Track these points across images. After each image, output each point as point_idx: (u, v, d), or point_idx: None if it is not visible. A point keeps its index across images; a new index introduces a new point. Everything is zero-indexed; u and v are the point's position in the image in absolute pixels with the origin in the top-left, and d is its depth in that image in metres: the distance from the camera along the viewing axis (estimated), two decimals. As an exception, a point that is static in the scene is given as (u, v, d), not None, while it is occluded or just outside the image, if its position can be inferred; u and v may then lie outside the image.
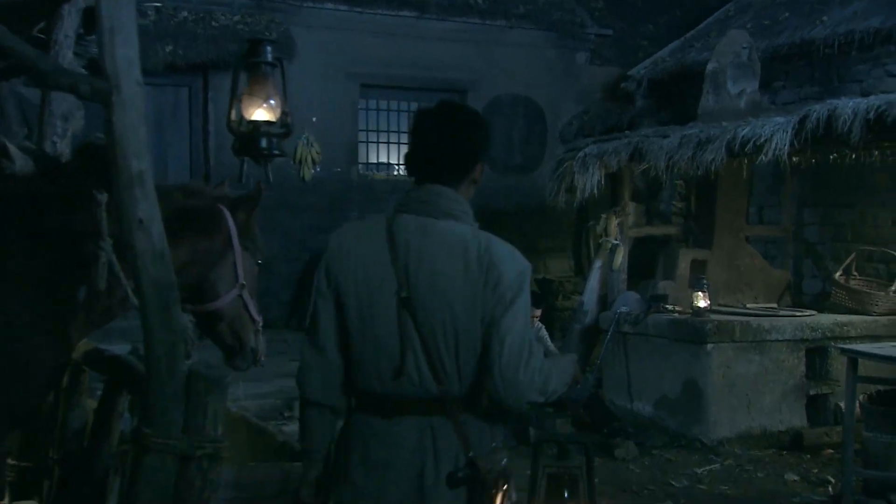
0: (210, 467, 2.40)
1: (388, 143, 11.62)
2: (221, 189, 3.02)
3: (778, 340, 6.94)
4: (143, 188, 2.33)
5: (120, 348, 3.16)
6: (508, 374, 2.15)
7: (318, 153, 10.65)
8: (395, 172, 11.65)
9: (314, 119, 10.73)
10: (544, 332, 7.10)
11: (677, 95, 10.02)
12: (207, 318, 2.89)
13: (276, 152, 3.13)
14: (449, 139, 2.27)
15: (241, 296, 2.89)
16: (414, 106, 11.65)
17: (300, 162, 10.62)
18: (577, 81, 12.10)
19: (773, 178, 8.96)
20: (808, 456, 6.52)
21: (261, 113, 3.09)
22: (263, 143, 3.13)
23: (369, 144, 11.51)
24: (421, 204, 2.25)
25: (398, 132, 11.63)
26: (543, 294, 7.26)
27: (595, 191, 7.17)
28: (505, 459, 2.28)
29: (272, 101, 3.12)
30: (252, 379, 7.51)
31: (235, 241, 2.85)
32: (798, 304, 8.16)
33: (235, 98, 3.22)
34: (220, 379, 2.45)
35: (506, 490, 2.24)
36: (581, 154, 7.15)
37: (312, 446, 2.33)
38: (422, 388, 2.19)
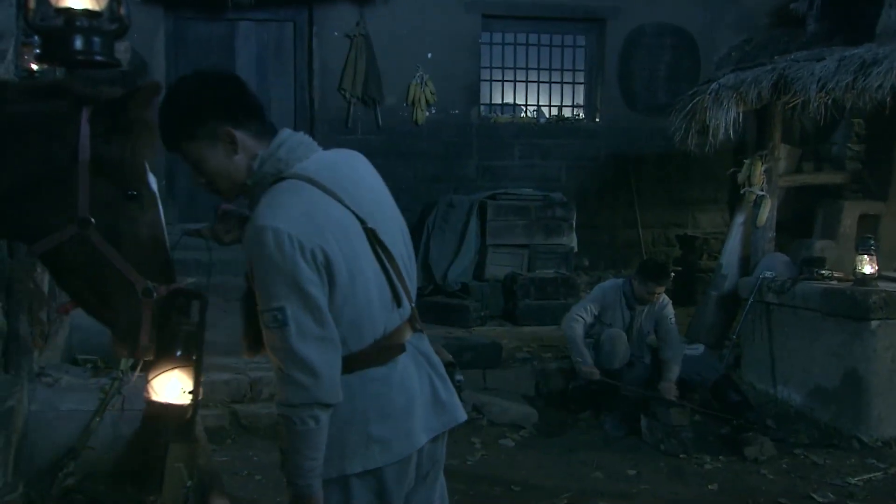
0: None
1: (515, 81, 10.62)
2: (108, 91, 2.10)
3: (968, 317, 5.60)
4: None
5: None
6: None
7: (432, 93, 9.85)
8: (522, 114, 10.67)
9: (429, 55, 9.93)
10: (670, 310, 6.05)
11: (858, 17, 8.49)
12: (53, 270, 2.15)
13: (101, 59, 2.20)
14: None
15: (87, 238, 2.07)
16: (545, 39, 10.64)
17: (413, 103, 9.86)
18: (736, 4, 10.61)
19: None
20: None
21: (76, -1, 2.14)
22: (79, 43, 2.19)
23: (493, 83, 10.54)
24: (299, 147, 2.17)
25: (526, 69, 10.61)
26: (663, 267, 6.19)
27: (731, 131, 5.98)
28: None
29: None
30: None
31: (83, 155, 2.03)
32: None
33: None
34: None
35: None
36: (714, 86, 5.97)
37: (320, 460, 2.09)
38: (403, 311, 2.19)
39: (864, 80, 5.01)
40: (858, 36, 7.16)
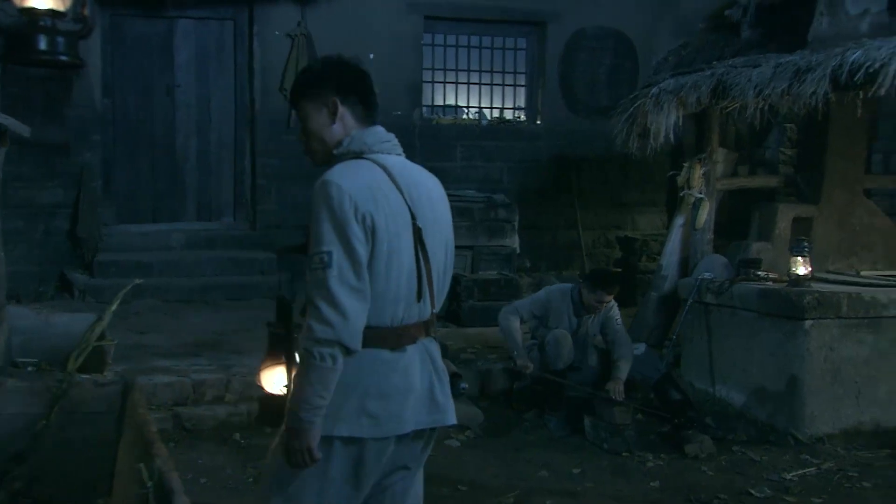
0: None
1: (457, 82, 10.72)
2: None
3: (898, 316, 5.84)
4: None
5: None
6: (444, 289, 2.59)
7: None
8: (464, 116, 10.77)
9: (371, 56, 9.92)
10: (616, 312, 6.19)
11: (790, 24, 8.76)
12: None
13: (65, 58, 2.22)
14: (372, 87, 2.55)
15: None
16: (487, 41, 10.75)
17: (355, 104, 9.87)
18: (674, 10, 10.85)
19: (903, 119, 7.71)
20: (933, 461, 5.45)
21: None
22: (42, 43, 2.23)
23: (435, 85, 10.63)
24: (386, 143, 2.48)
25: (468, 71, 10.72)
26: (612, 276, 6.33)
27: (671, 134, 6.15)
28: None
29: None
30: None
31: None
32: (929, 271, 6.98)
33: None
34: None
35: None
36: (655, 91, 6.12)
37: (327, 401, 2.34)
38: (423, 311, 2.45)
39: (799, 86, 5.19)
40: (791, 42, 7.40)
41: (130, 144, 9.48)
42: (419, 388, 2.46)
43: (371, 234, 2.32)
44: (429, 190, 2.51)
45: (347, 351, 2.31)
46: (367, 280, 2.32)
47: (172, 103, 9.58)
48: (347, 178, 2.34)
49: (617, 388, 5.79)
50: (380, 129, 2.51)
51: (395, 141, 2.52)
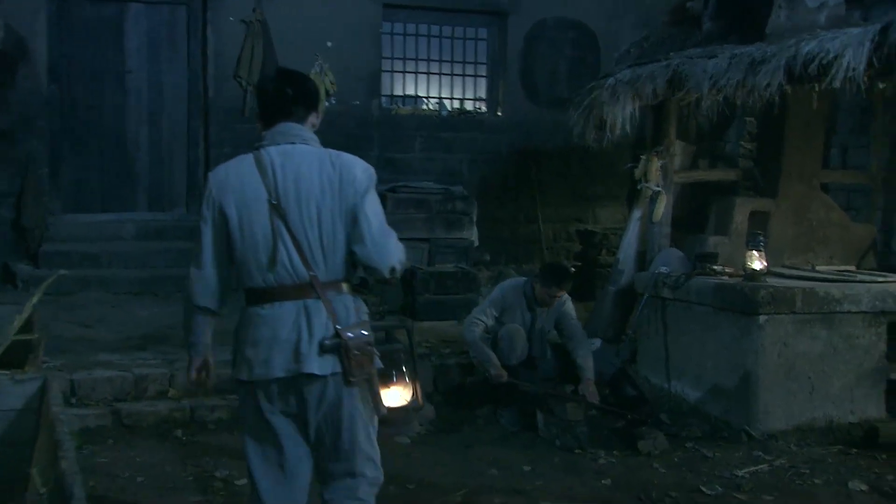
0: None
1: (417, 72, 10.61)
2: None
3: (851, 312, 5.85)
4: None
5: None
6: (380, 239, 2.89)
7: (332, 83, 9.73)
8: (424, 106, 10.66)
9: (329, 44, 9.82)
10: (570, 306, 6.12)
11: (750, 17, 8.73)
12: None
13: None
14: (296, 89, 2.99)
15: None
16: (447, 31, 10.64)
17: (312, 93, 9.71)
18: (637, 2, 10.82)
19: (860, 112, 7.71)
20: (885, 456, 5.41)
21: None
22: None
23: (394, 74, 10.51)
24: (278, 136, 2.93)
25: (427, 60, 10.60)
26: (565, 270, 6.26)
27: (627, 126, 6.08)
28: (366, 331, 2.92)
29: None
30: (223, 342, 6.77)
31: None
32: (885, 266, 7.08)
33: None
34: None
35: (371, 352, 2.91)
36: (611, 81, 6.05)
37: (197, 339, 3.07)
38: (295, 274, 2.85)
39: (754, 77, 5.14)
40: (751, 35, 7.36)
41: (79, 131, 9.26)
42: (284, 339, 2.84)
43: (220, 213, 2.88)
44: (297, 170, 2.86)
45: (193, 305, 2.99)
46: (205, 254, 2.91)
47: (123, 90, 9.38)
48: (213, 173, 2.98)
49: (590, 390, 5.74)
50: (280, 126, 2.96)
51: (291, 132, 2.94)
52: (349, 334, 2.86)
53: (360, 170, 2.92)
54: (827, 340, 5.80)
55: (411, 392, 3.30)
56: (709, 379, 6.06)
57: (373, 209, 2.90)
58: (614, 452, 5.47)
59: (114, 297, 8.29)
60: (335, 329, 2.85)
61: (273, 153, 2.89)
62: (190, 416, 5.50)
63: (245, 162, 2.91)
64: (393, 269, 2.93)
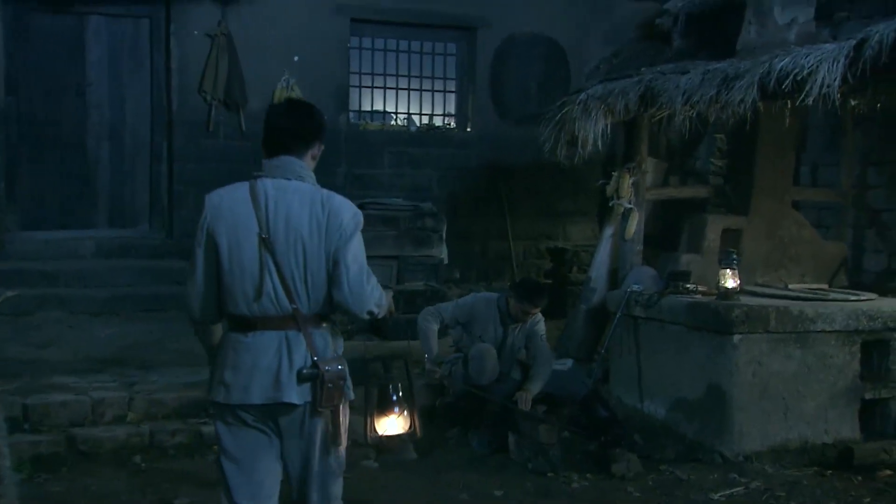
0: None
1: (385, 87, 10.49)
2: None
3: (825, 331, 5.81)
4: None
5: None
6: (356, 287, 2.98)
7: (299, 98, 9.58)
8: (393, 122, 10.54)
9: (296, 58, 9.67)
10: (541, 327, 6.02)
11: (720, 33, 8.74)
12: None
13: None
14: (296, 123, 3.10)
15: None
16: (416, 45, 10.54)
17: (279, 108, 9.56)
18: (606, 18, 10.79)
19: (831, 130, 7.71)
20: (860, 478, 5.36)
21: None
22: None
23: (362, 89, 10.39)
24: (276, 169, 3.04)
25: (396, 76, 10.49)
26: (540, 287, 6.16)
27: (599, 142, 6.01)
28: (342, 366, 3.02)
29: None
30: (187, 363, 6.61)
31: None
32: (856, 284, 7.04)
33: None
34: None
35: (342, 386, 3.01)
36: (583, 97, 5.98)
37: (212, 343, 3.19)
38: (279, 306, 2.97)
39: (727, 93, 5.09)
40: (721, 51, 7.36)
41: (37, 145, 9.03)
42: (265, 367, 2.97)
43: (210, 238, 3.02)
44: (288, 207, 2.97)
45: (192, 320, 3.15)
46: (199, 273, 3.04)
47: (84, 103, 9.17)
48: (210, 197, 3.08)
49: (524, 398, 5.63)
50: (279, 159, 3.06)
51: (287, 168, 3.03)
52: (326, 367, 2.97)
53: (349, 216, 3.01)
54: (801, 360, 5.75)
55: (408, 422, 3.34)
56: (682, 399, 5.98)
57: (353, 255, 2.99)
58: (587, 475, 5.37)
59: (72, 318, 8.06)
60: (313, 360, 2.97)
61: (269, 186, 3.01)
62: (149, 442, 5.32)
63: (240, 191, 3.03)
64: (371, 313, 3.05)
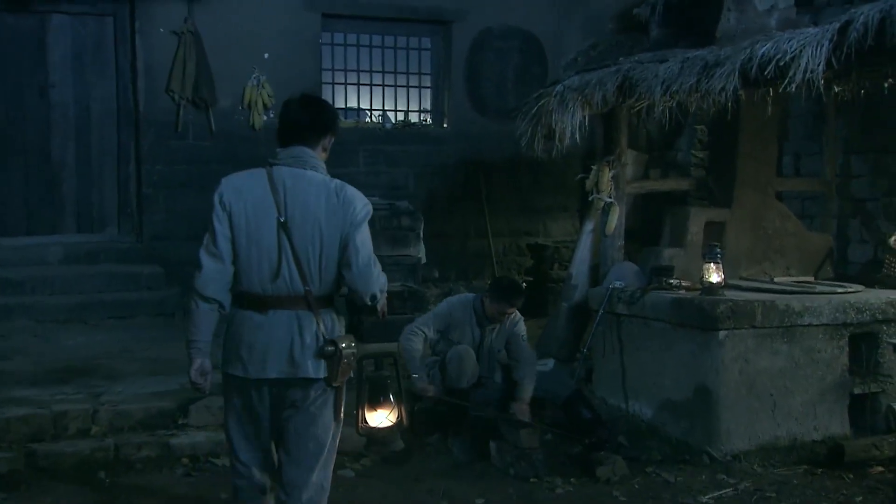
0: None
1: (359, 84, 10.30)
2: None
3: (812, 325, 5.66)
4: None
5: None
6: (364, 269, 3.23)
7: (270, 96, 9.40)
8: (368, 119, 10.35)
9: (266, 55, 9.48)
10: (521, 327, 5.84)
11: (698, 22, 8.60)
12: None
13: None
14: (310, 116, 3.35)
15: None
16: (389, 41, 10.37)
17: (249, 107, 9.38)
18: (584, 9, 10.63)
19: (813, 119, 7.59)
20: (851, 476, 5.23)
21: None
22: None
23: (335, 86, 10.19)
24: (291, 159, 3.28)
25: (370, 72, 10.31)
26: (516, 286, 5.98)
27: (577, 135, 5.84)
28: (354, 343, 3.27)
29: None
30: (156, 372, 6.40)
31: None
32: (842, 276, 6.92)
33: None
34: None
35: (353, 363, 3.31)
36: (559, 88, 5.81)
37: (200, 337, 3.30)
38: (292, 287, 3.21)
39: (708, 81, 4.92)
40: (700, 40, 7.22)
41: (-1, 149, 8.79)
42: (279, 345, 3.22)
43: (228, 214, 3.21)
44: (305, 195, 3.21)
45: (202, 297, 3.23)
46: (224, 247, 3.21)
47: (47, 105, 8.94)
48: (227, 179, 3.29)
49: (521, 409, 5.45)
50: (293, 149, 3.29)
51: (302, 158, 3.27)
52: (342, 345, 3.22)
53: (361, 205, 3.26)
54: (788, 355, 5.61)
55: (397, 415, 4.07)
56: (668, 398, 5.83)
57: (363, 240, 3.22)
58: (571, 480, 5.20)
59: (38, 326, 7.84)
60: (326, 339, 3.21)
61: (285, 174, 3.24)
62: (115, 456, 5.09)
63: (258, 176, 3.25)
64: (374, 296, 3.25)
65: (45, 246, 8.75)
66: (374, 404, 3.95)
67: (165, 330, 7.97)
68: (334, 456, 3.50)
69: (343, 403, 3.40)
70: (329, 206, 3.20)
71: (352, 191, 3.29)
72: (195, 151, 9.11)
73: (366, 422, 3.99)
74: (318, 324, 3.22)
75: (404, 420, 4.55)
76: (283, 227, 3.18)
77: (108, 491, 4.78)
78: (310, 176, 3.25)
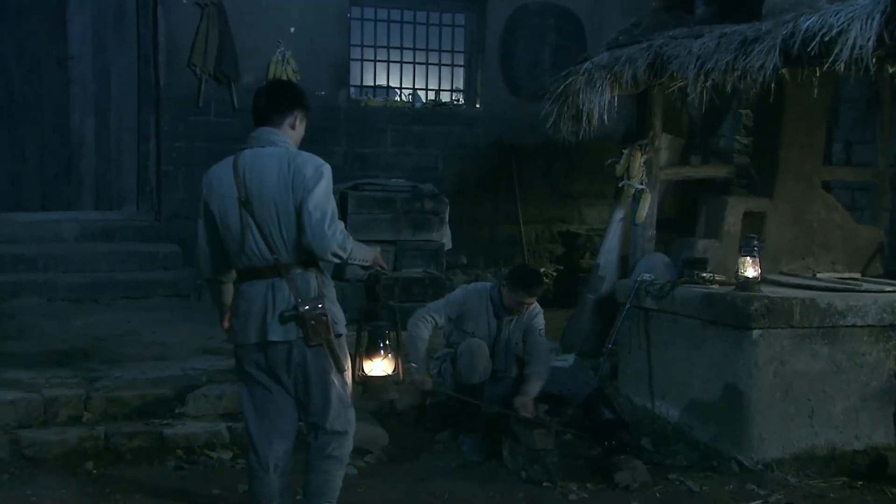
0: None
1: (388, 61, 10.02)
2: None
3: (857, 326, 5.29)
4: None
5: None
6: (318, 231, 3.44)
7: (295, 72, 9.15)
8: (397, 98, 10.07)
9: (292, 29, 9.25)
10: (540, 320, 5.54)
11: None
12: None
13: None
14: (271, 97, 3.68)
15: None
16: (421, 16, 10.08)
17: (273, 83, 9.13)
18: (625, -15, 10.25)
19: (866, 104, 7.16)
20: (895, 490, 4.85)
21: None
22: None
23: (364, 63, 9.93)
24: (254, 140, 3.61)
25: (400, 49, 10.02)
26: (535, 274, 5.66)
27: (605, 116, 5.49)
28: (322, 304, 3.51)
29: None
30: (160, 356, 6.21)
31: None
32: (893, 273, 6.50)
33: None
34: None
35: (325, 322, 3.51)
36: (587, 66, 5.46)
37: (221, 301, 3.82)
38: (262, 258, 3.53)
39: (745, 59, 4.54)
40: (747, 18, 6.83)
41: (14, 123, 8.68)
42: (256, 311, 3.52)
43: (205, 207, 3.57)
44: (262, 171, 3.47)
45: (205, 278, 3.79)
46: (204, 237, 3.61)
47: (66, 78, 8.79)
48: (206, 174, 3.63)
49: (524, 404, 5.16)
50: (257, 130, 3.60)
51: (262, 136, 3.57)
52: (306, 307, 3.45)
53: (311, 169, 3.47)
54: (829, 358, 5.24)
55: (393, 365, 4.18)
56: (696, 400, 5.49)
57: (315, 203, 3.41)
58: (587, 486, 4.89)
59: (49, 305, 7.70)
60: (295, 302, 3.45)
61: (248, 156, 3.52)
62: (104, 445, 4.89)
63: (226, 163, 3.55)
64: (335, 255, 3.43)
65: (60, 222, 8.61)
66: (371, 353, 4.16)
67: (178, 311, 7.81)
68: (351, 406, 3.74)
69: (343, 357, 3.62)
70: (280, 177, 3.44)
71: (303, 158, 3.50)
72: (217, 128, 8.91)
73: (363, 370, 4.21)
74: (289, 289, 3.47)
75: (400, 373, 4.54)
76: (245, 205, 3.46)
77: (93, 483, 4.58)
78: (267, 152, 3.51)
